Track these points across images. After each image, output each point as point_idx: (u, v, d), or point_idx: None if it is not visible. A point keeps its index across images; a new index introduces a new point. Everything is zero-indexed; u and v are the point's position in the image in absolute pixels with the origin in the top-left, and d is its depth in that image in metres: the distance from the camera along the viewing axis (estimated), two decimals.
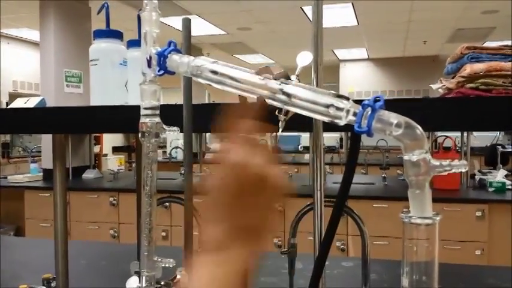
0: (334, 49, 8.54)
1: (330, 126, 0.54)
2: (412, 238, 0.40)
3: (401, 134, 0.40)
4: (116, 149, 8.78)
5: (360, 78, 9.73)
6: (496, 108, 0.68)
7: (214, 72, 0.51)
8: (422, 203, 0.40)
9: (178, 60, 0.53)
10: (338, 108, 0.43)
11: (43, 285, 1.19)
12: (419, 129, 0.40)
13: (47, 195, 3.97)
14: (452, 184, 3.51)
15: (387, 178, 4.09)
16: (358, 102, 0.44)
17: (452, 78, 0.89)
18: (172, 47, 0.53)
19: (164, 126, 0.56)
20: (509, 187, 3.49)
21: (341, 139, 7.93)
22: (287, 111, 0.51)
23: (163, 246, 3.35)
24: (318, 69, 0.54)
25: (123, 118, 0.76)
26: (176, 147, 6.23)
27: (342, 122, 0.43)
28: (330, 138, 8.44)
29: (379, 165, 4.89)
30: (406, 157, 0.40)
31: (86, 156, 4.87)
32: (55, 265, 0.95)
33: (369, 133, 0.41)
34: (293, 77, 0.50)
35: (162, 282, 0.63)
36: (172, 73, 0.54)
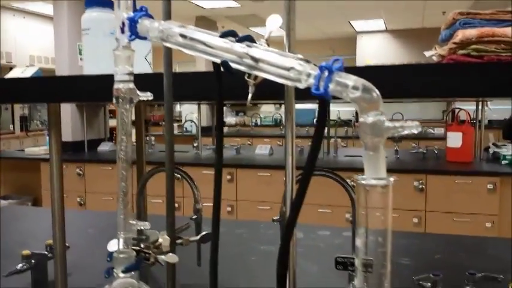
0: (351, 20, 8.38)
1: (301, 95, 0.54)
2: (366, 200, 0.40)
3: (358, 97, 0.40)
4: (133, 123, 8.87)
5: (378, 50, 9.55)
6: (483, 74, 0.67)
7: (183, 36, 0.50)
8: (377, 165, 0.40)
9: (148, 25, 0.53)
10: (298, 71, 0.43)
11: (46, 251, 1.23)
12: (375, 91, 0.40)
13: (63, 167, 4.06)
14: (465, 157, 3.47)
15: (400, 151, 4.05)
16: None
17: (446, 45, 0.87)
18: (143, 12, 0.53)
19: (138, 92, 0.56)
20: None
21: (357, 112, 7.87)
22: (256, 76, 0.51)
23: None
24: (290, 35, 0.53)
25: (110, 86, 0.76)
26: (191, 121, 6.26)
27: (301, 85, 0.43)
28: (346, 112, 8.38)
29: (401, 138, 4.84)
30: (361, 119, 0.40)
31: (101, 129, 4.94)
32: (52, 232, 0.98)
33: (326, 95, 0.41)
34: (262, 41, 0.50)
35: (142, 245, 0.64)
36: (144, 38, 0.54)
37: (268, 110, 9.49)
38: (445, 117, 5.21)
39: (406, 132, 0.38)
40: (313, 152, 0.49)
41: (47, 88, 0.83)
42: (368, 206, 0.40)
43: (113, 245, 0.62)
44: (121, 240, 0.59)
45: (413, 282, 1.05)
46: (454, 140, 3.46)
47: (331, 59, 0.41)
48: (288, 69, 0.43)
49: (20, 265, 1.18)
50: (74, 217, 2.04)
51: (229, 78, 0.56)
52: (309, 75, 0.42)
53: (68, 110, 4.55)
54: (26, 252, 1.20)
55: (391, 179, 0.40)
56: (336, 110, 8.01)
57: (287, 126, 0.56)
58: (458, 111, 3.73)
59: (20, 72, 1.02)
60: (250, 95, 0.51)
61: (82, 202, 4.04)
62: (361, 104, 0.40)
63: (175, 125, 8.00)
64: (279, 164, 3.88)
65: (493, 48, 0.76)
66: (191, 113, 6.81)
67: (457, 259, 1.38)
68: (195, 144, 4.62)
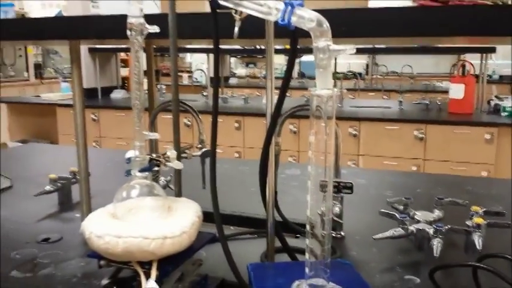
0: None
1: (280, 34, 0.67)
2: (317, 106, 0.54)
3: (313, 27, 0.52)
4: (145, 73, 8.96)
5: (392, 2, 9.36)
6: (446, 15, 0.77)
7: None
8: (326, 79, 0.53)
9: None
10: (270, 6, 0.55)
11: (70, 175, 1.40)
12: (326, 23, 0.52)
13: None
14: (466, 108, 3.56)
15: (404, 103, 4.14)
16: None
17: None
18: None
19: (147, 25, 0.69)
20: None
21: (367, 65, 7.88)
22: (241, 12, 0.63)
23: None
24: None
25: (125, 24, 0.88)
26: (200, 70, 6.35)
27: (272, 18, 0.56)
28: (357, 64, 8.39)
29: (406, 91, 4.90)
30: (314, 44, 0.53)
31: (114, 77, 5.09)
32: (77, 154, 1.13)
33: (289, 25, 0.54)
34: None
35: (154, 155, 0.79)
36: None
37: (278, 62, 9.51)
38: (452, 71, 5.23)
39: (347, 53, 0.51)
40: (286, 81, 0.63)
41: (70, 26, 0.96)
42: (320, 110, 0.54)
43: (129, 153, 0.76)
44: (137, 148, 0.73)
45: (388, 205, 1.20)
46: (456, 91, 3.54)
47: None
48: (263, 5, 0.56)
49: (48, 187, 1.35)
50: (92, 154, 2.21)
51: (223, 20, 0.68)
52: (278, 9, 0.55)
53: (81, 58, 4.68)
54: (52, 176, 1.36)
55: (336, 89, 0.53)
56: (347, 63, 8.04)
57: (268, 64, 0.69)
58: (462, 64, 3.78)
59: (43, 12, 1.14)
60: (236, 29, 0.64)
61: (97, 146, 4.24)
62: (315, 32, 0.53)
63: (186, 75, 8.12)
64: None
65: None
66: (201, 63, 6.90)
67: (435, 192, 1.52)
68: (204, 94, 4.75)
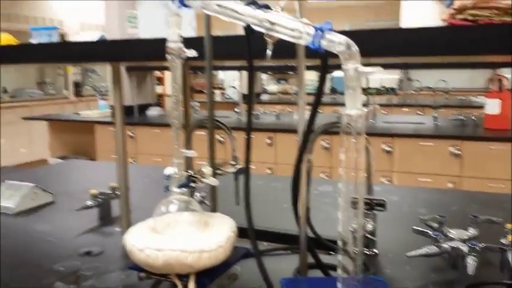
0: None
1: (311, 55, 0.70)
2: (347, 124, 0.56)
3: (342, 50, 0.55)
4: None
5: (424, 15, 9.28)
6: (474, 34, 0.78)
7: (219, 5, 0.67)
8: (355, 100, 0.56)
9: None
10: (300, 31, 0.58)
11: (109, 190, 1.46)
12: (354, 47, 0.55)
13: (115, 130, 4.37)
14: (503, 124, 3.47)
15: (439, 118, 4.07)
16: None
17: None
18: None
19: (185, 49, 0.73)
20: None
21: (401, 81, 7.80)
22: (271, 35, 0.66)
23: None
24: (301, 4, 0.68)
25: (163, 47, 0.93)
26: (233, 87, 6.45)
27: (303, 42, 0.59)
28: (389, 79, 8.31)
29: (441, 106, 4.82)
30: (344, 67, 0.55)
31: (149, 94, 5.22)
32: (117, 175, 1.18)
33: (319, 49, 0.56)
34: (278, 8, 0.65)
35: (191, 172, 0.83)
36: (188, 6, 0.70)
37: (310, 78, 9.52)
38: (487, 85, 5.12)
39: (375, 74, 0.53)
40: (317, 101, 0.65)
41: (112, 50, 1.02)
42: (351, 129, 0.56)
43: (168, 170, 0.80)
44: (175, 165, 0.77)
45: (421, 222, 1.19)
46: (492, 106, 3.47)
47: (324, 22, 0.56)
48: (294, 29, 0.59)
49: (89, 202, 1.41)
50: (130, 170, 2.28)
51: (256, 42, 0.72)
52: (308, 34, 0.58)
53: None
54: (93, 191, 1.42)
55: (365, 109, 0.55)
56: (380, 78, 7.98)
57: (300, 83, 0.72)
58: (498, 78, 3.71)
59: (86, 36, 1.21)
60: (269, 52, 0.67)
61: (134, 162, 4.36)
62: (344, 55, 0.55)
63: (218, 92, 8.26)
64: None
65: (486, 13, 0.87)
66: (233, 80, 7.01)
67: (470, 209, 1.50)
68: (237, 110, 4.82)
